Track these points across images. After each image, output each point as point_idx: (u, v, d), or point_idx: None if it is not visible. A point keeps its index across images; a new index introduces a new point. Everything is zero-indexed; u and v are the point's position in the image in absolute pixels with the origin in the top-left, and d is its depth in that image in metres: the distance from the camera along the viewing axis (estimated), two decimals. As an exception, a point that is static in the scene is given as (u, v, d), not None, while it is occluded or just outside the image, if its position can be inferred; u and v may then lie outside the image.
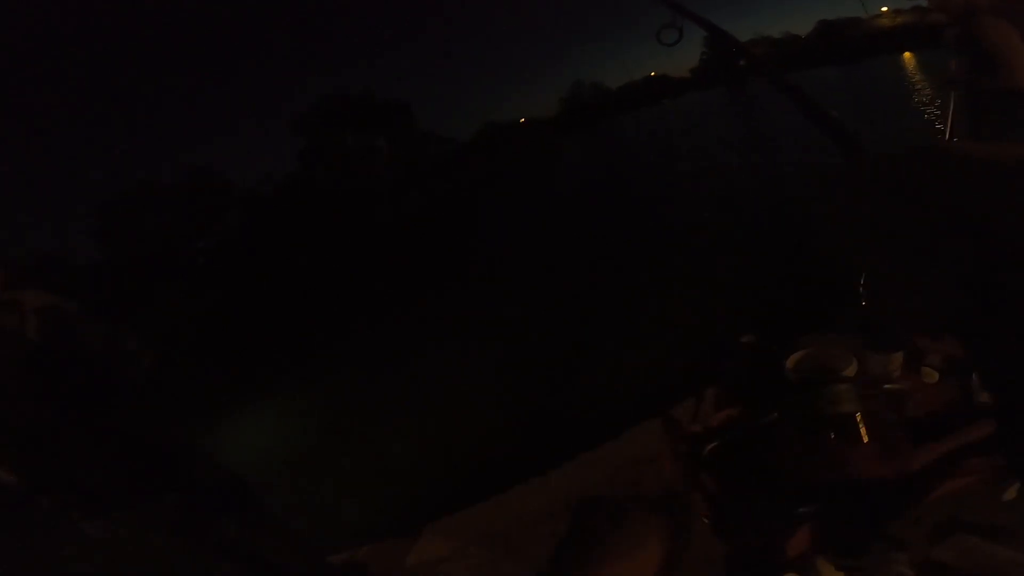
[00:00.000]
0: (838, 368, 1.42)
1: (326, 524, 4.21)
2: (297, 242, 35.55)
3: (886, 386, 1.38)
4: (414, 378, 7.26)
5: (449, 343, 8.31)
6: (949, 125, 1.86)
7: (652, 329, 5.78)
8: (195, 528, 1.84)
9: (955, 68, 1.77)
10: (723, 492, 1.49)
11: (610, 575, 1.27)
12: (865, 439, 1.27)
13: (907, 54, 30.43)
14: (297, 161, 51.62)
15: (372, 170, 51.13)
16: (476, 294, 10.83)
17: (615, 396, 4.31)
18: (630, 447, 2.83)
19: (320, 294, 18.56)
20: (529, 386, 5.58)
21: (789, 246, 7.23)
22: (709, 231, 9.59)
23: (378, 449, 5.50)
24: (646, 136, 37.72)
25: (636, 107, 67.59)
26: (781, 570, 1.34)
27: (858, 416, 1.28)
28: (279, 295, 21.92)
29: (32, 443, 1.64)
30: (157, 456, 1.85)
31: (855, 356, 1.45)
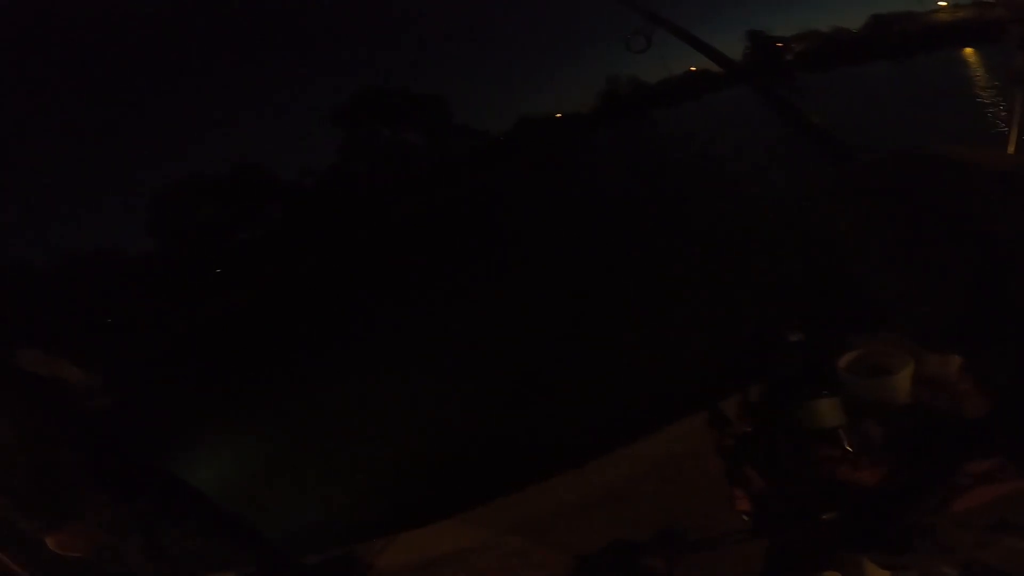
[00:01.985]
0: (894, 368, 1.40)
1: (356, 513, 4.34)
2: (336, 235, 36.41)
3: (944, 386, 1.35)
4: (458, 365, 7.37)
5: (483, 335, 8.41)
6: (1015, 125, 1.79)
7: (695, 326, 5.71)
8: (144, 534, 1.98)
9: (1020, 66, 1.70)
10: (765, 488, 1.50)
11: None
12: (917, 436, 1.25)
13: (968, 50, 28.80)
14: (336, 154, 52.88)
15: (407, 163, 51.83)
16: (511, 287, 10.89)
17: (656, 391, 4.29)
18: (669, 442, 2.83)
19: (354, 288, 18.97)
20: (570, 378, 5.60)
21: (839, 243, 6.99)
22: (757, 228, 9.34)
23: (416, 436, 5.61)
24: (685, 131, 36.93)
25: (675, 102, 66.13)
26: (822, 568, 1.34)
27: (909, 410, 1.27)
28: (318, 288, 22.51)
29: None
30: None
31: (912, 356, 1.42)
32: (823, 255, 6.76)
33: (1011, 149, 1.73)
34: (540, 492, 3.04)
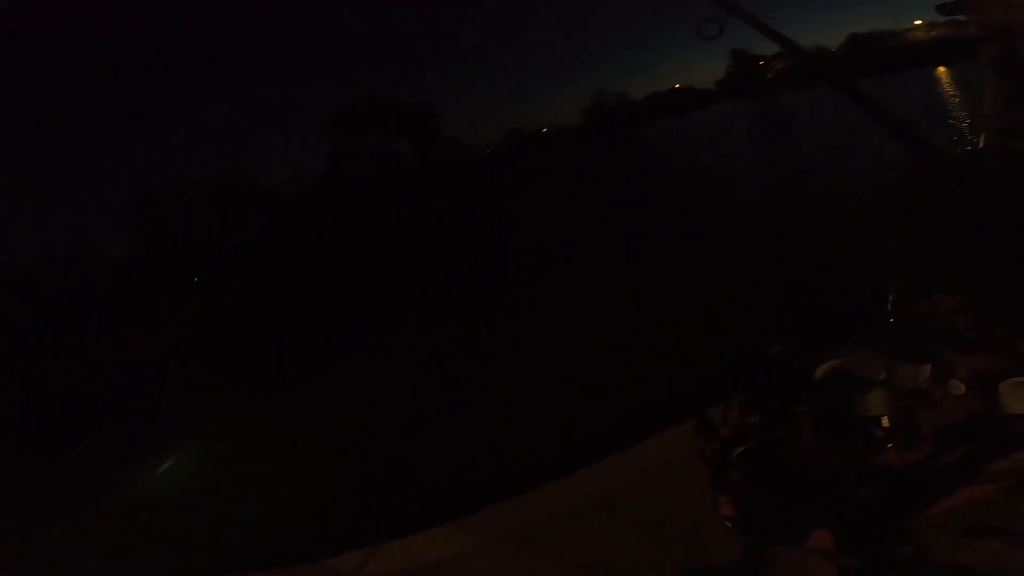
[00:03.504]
0: (868, 377, 1.48)
1: (353, 515, 4.32)
2: (321, 242, 36.17)
3: (913, 395, 1.43)
4: (448, 373, 7.39)
5: (473, 343, 8.44)
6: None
7: (677, 339, 5.81)
8: None
9: (989, 92, 1.79)
10: (749, 493, 1.56)
11: None
12: (893, 442, 1.33)
13: (941, 68, 29.73)
14: (324, 162, 52.68)
15: (395, 173, 51.77)
16: (502, 297, 10.93)
17: (643, 402, 4.36)
18: (657, 451, 2.88)
19: (342, 294, 18.85)
20: (557, 387, 5.65)
21: (815, 259, 7.22)
22: (736, 243, 9.57)
23: (416, 442, 5.61)
24: (670, 147, 37.53)
25: (661, 118, 67.14)
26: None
27: (885, 420, 1.35)
28: (301, 294, 22.31)
29: None
30: None
31: (884, 367, 1.51)
32: (803, 271, 7.01)
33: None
34: (530, 500, 3.07)
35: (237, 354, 14.46)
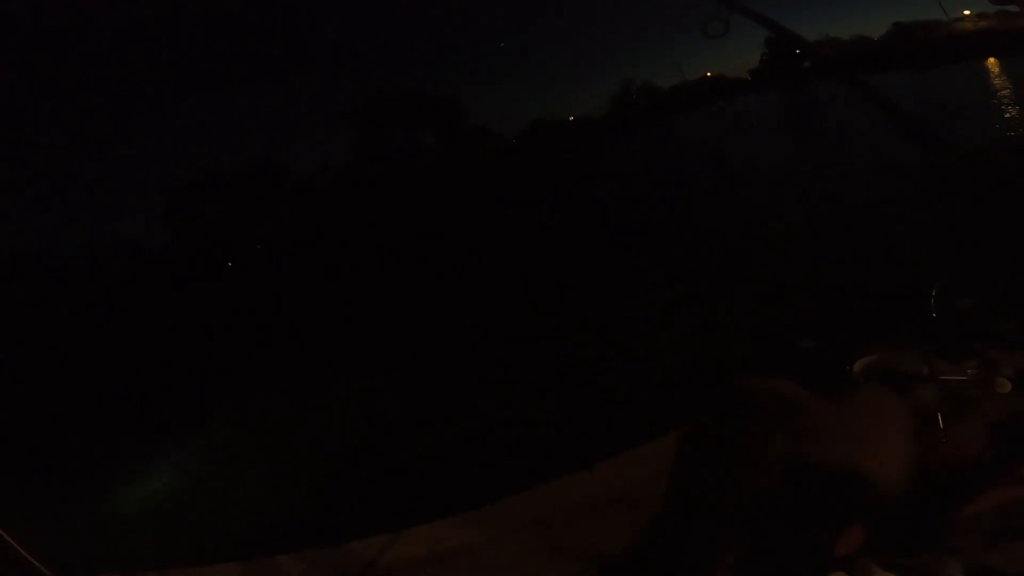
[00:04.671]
0: (911, 373, 1.42)
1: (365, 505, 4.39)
2: (348, 233, 36.74)
3: (958, 392, 1.37)
4: (470, 362, 7.43)
5: (493, 332, 8.46)
6: None
7: (709, 330, 5.72)
8: None
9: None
10: (777, 488, 1.51)
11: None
12: (941, 439, 1.27)
13: (991, 60, 28.36)
14: (351, 154, 53.42)
15: (420, 164, 52.18)
16: (523, 286, 10.94)
17: (669, 394, 4.31)
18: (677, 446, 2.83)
19: (365, 285, 19.11)
20: (581, 380, 5.63)
21: (853, 252, 6.99)
22: (771, 236, 9.34)
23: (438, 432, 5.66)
24: (699, 138, 36.77)
25: (689, 108, 65.73)
26: (829, 569, 1.35)
27: (939, 416, 1.28)
28: (329, 285, 22.71)
29: None
30: None
31: (925, 364, 1.44)
32: (838, 261, 6.80)
33: None
34: (549, 492, 3.06)
35: (259, 344, 14.80)
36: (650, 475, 2.79)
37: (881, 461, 1.20)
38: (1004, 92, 18.65)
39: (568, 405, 5.10)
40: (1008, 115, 14.52)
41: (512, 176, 45.86)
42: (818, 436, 1.23)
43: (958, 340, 1.52)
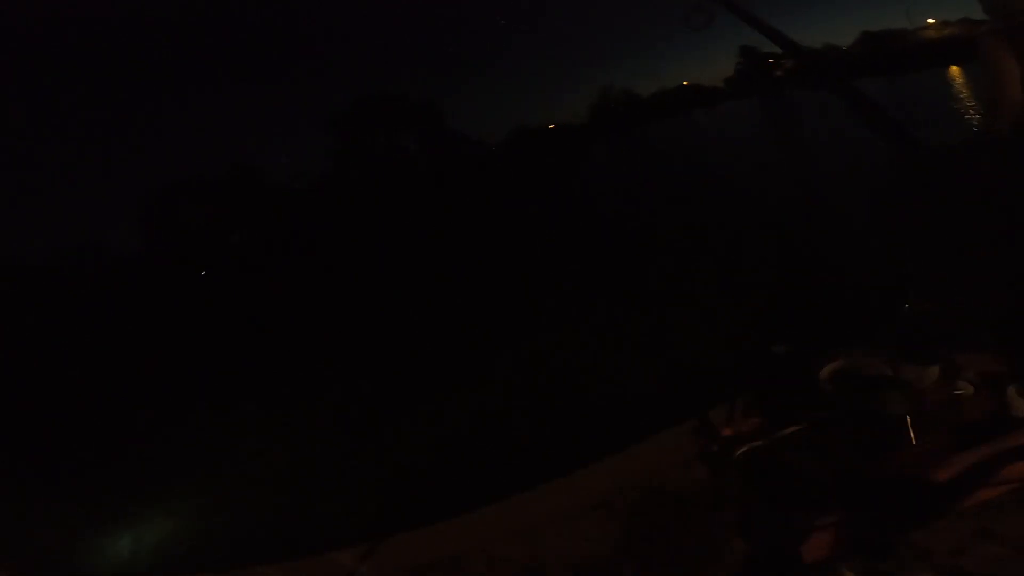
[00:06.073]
0: (877, 377, 1.44)
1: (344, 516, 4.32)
2: (325, 238, 36.33)
3: (923, 396, 1.39)
4: (452, 369, 7.38)
5: (478, 340, 8.42)
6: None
7: (683, 337, 5.78)
8: None
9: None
10: (750, 495, 1.53)
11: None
12: (912, 442, 1.28)
13: (954, 68, 29.39)
14: (330, 160, 52.98)
15: (401, 170, 51.92)
16: (507, 293, 10.93)
17: (645, 400, 4.34)
18: (658, 451, 2.85)
19: (347, 291, 18.90)
20: (559, 387, 5.63)
21: (821, 258, 7.16)
22: (741, 242, 9.51)
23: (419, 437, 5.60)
24: (676, 144, 37.34)
25: (667, 115, 66.83)
26: (802, 574, 1.37)
27: (908, 419, 1.30)
28: (309, 290, 22.41)
29: None
30: None
31: (890, 368, 1.47)
32: (807, 268, 6.96)
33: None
34: (531, 499, 3.05)
35: (248, 350, 14.53)
36: (627, 482, 2.81)
37: None
38: (967, 98, 19.34)
39: (542, 414, 5.10)
40: (972, 120, 15.06)
41: (493, 182, 45.89)
42: None
43: (923, 344, 1.55)
